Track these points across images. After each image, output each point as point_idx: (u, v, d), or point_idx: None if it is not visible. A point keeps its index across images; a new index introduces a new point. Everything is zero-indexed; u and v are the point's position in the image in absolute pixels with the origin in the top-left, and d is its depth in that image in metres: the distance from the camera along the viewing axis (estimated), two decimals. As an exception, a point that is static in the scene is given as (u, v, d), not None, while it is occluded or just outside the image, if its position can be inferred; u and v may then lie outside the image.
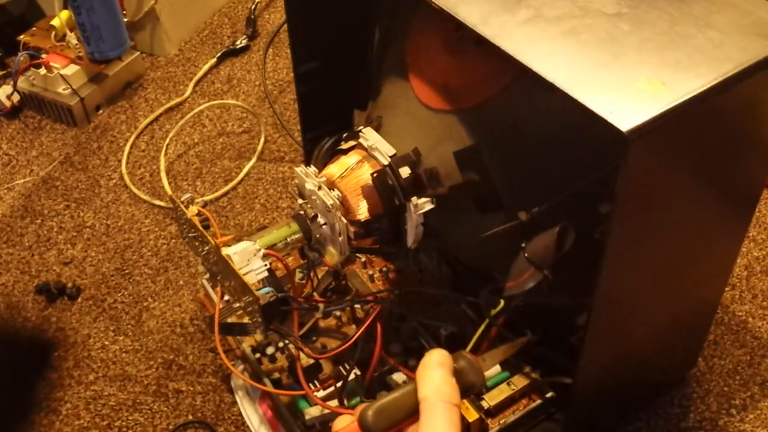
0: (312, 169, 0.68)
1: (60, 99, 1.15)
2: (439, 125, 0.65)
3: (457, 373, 0.51)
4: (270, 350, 0.77)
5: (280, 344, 0.77)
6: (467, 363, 0.52)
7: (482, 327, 0.63)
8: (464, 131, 0.64)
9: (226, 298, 0.73)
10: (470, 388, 0.53)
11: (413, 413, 0.49)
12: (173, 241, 1.00)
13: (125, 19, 1.19)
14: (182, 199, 0.69)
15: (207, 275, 0.70)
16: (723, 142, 0.58)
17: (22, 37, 1.22)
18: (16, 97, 1.18)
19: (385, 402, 0.49)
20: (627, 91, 0.50)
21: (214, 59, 1.25)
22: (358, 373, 0.71)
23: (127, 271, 0.97)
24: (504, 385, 0.70)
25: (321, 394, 0.71)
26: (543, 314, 0.66)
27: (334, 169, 0.67)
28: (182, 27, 1.30)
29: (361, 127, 0.69)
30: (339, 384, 0.71)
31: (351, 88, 0.75)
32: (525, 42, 0.54)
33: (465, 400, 0.69)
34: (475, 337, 0.62)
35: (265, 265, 0.64)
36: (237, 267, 0.62)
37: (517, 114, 0.62)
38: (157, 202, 1.05)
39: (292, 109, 1.16)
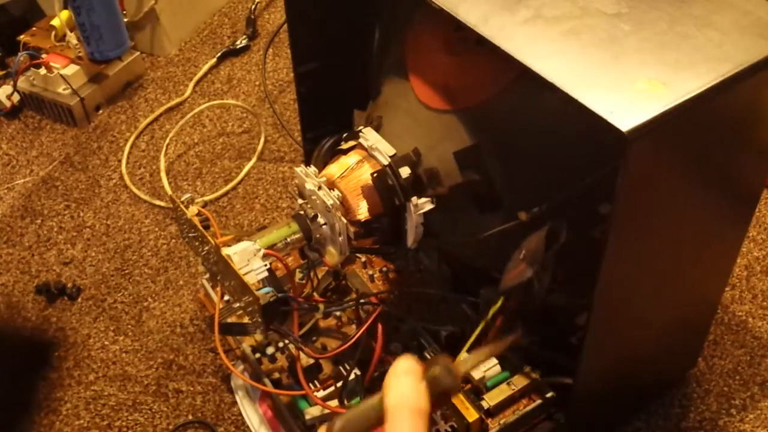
0: (312, 169, 0.68)
1: (60, 99, 1.15)
2: (439, 125, 0.65)
3: (432, 380, 0.51)
4: (270, 350, 0.77)
5: (280, 344, 0.77)
6: (441, 368, 0.52)
7: (481, 325, 0.63)
8: (464, 131, 0.64)
9: (226, 298, 0.73)
10: (446, 393, 0.52)
11: (381, 422, 0.48)
12: (173, 241, 1.00)
13: (125, 19, 1.19)
14: (182, 199, 0.69)
15: (207, 275, 0.70)
16: (723, 142, 0.58)
17: (22, 37, 1.22)
18: (16, 97, 1.18)
19: (352, 413, 0.49)
20: (627, 91, 0.50)
21: (214, 59, 1.25)
22: (358, 373, 0.71)
23: (127, 271, 0.97)
24: (504, 385, 0.70)
25: (321, 394, 0.71)
26: (543, 314, 0.66)
27: (334, 169, 0.67)
28: (182, 27, 1.30)
29: (361, 127, 0.69)
30: (339, 384, 0.71)
31: (351, 88, 0.75)
32: (525, 42, 0.54)
33: (465, 400, 0.69)
34: (473, 336, 0.62)
35: (265, 265, 0.64)
36: (237, 267, 0.62)
37: (517, 114, 0.62)
38: (157, 202, 1.05)
39: (292, 109, 1.16)
